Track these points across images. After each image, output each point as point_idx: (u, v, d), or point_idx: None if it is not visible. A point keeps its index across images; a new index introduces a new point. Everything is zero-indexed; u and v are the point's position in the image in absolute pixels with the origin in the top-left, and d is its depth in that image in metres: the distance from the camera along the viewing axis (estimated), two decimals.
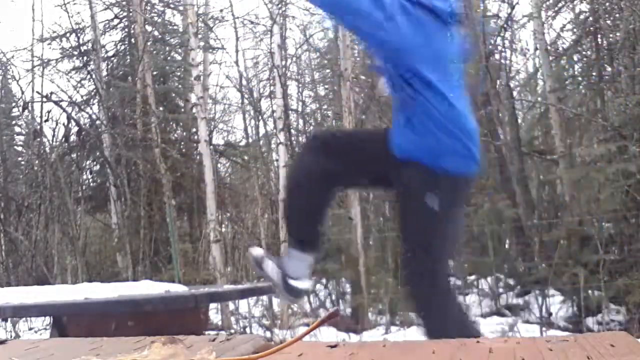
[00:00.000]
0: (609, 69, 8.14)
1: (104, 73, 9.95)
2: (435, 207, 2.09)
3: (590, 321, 6.18)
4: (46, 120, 9.51)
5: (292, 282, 2.29)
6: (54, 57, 10.24)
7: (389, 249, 8.32)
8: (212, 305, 6.61)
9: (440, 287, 2.22)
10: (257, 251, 2.51)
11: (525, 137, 9.16)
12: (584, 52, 8.76)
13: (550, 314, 6.62)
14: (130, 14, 9.88)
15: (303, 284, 2.32)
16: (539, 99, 9.93)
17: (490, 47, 8.79)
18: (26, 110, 10.76)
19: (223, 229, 9.55)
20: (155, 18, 10.57)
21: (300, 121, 12.30)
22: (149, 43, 9.44)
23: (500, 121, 8.82)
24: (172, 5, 10.78)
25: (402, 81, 2.13)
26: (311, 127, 12.23)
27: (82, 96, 10.14)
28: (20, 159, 12.29)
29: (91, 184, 10.43)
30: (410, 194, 2.17)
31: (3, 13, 19.72)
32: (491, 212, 7.59)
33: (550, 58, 8.48)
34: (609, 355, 0.77)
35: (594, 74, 8.37)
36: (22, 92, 10.58)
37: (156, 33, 10.30)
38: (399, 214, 2.35)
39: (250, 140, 10.81)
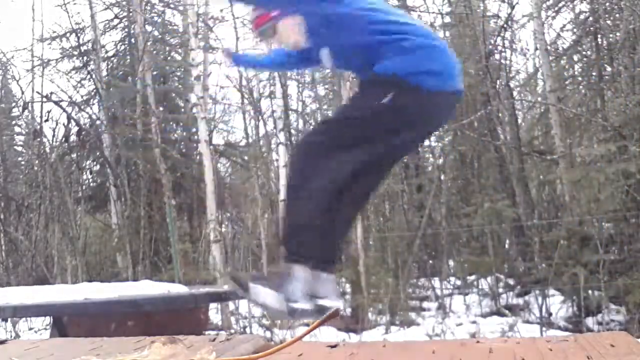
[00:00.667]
0: (609, 69, 8.13)
1: (104, 73, 9.95)
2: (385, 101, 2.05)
3: (590, 321, 6.18)
4: (46, 120, 9.52)
5: (295, 305, 2.06)
6: (54, 57, 10.27)
7: (389, 249, 8.32)
8: (212, 305, 6.61)
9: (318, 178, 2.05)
10: (239, 276, 2.28)
11: (525, 137, 9.16)
12: (584, 52, 8.76)
13: (550, 314, 6.61)
14: (130, 14, 9.87)
15: (304, 305, 2.08)
16: (539, 99, 9.93)
17: (490, 47, 8.79)
18: (26, 110, 10.76)
19: (223, 229, 9.55)
20: (155, 18, 10.57)
21: (300, 121, 12.30)
22: (149, 43, 9.44)
23: (500, 121, 8.82)
24: (172, 5, 10.78)
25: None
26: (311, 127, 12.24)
27: (82, 96, 10.14)
28: (20, 159, 12.30)
29: (91, 184, 10.43)
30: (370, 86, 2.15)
31: (3, 13, 19.73)
32: (491, 212, 7.59)
33: (550, 58, 8.48)
34: (609, 355, 0.77)
35: (594, 74, 8.37)
36: (22, 92, 10.59)
37: (156, 33, 10.29)
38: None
39: (250, 140, 10.81)
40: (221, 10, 10.38)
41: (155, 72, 9.55)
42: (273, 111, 9.56)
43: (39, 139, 9.57)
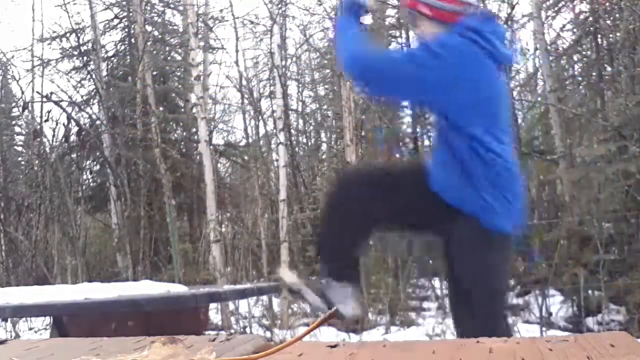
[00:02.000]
0: (609, 69, 8.13)
1: (104, 73, 9.95)
2: (487, 261, 2.08)
3: (590, 321, 6.18)
4: (46, 120, 9.52)
5: (340, 309, 2.15)
6: (54, 57, 10.27)
7: (388, 249, 8.31)
8: (212, 305, 6.61)
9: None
10: (290, 278, 2.40)
11: (525, 137, 9.16)
12: (584, 52, 8.76)
13: (550, 314, 6.61)
14: (130, 14, 9.88)
15: (349, 310, 2.17)
16: (539, 99, 9.94)
17: None
18: (26, 110, 10.76)
19: (223, 229, 9.55)
20: (155, 18, 10.57)
21: (300, 121, 12.31)
22: (149, 43, 9.44)
23: None
24: (172, 5, 10.79)
25: (453, 131, 2.07)
26: (311, 127, 12.25)
27: (82, 96, 10.15)
28: (20, 159, 12.30)
29: (91, 184, 10.44)
30: (464, 247, 2.11)
31: (3, 13, 19.74)
32: None
33: (550, 58, 8.48)
34: (609, 355, 0.77)
35: (593, 74, 8.37)
36: (22, 92, 10.59)
37: (156, 33, 10.30)
38: (449, 260, 2.23)
39: (250, 140, 10.82)
40: (221, 11, 10.40)
41: (155, 72, 9.55)
42: (273, 111, 9.57)
43: (39, 139, 9.57)
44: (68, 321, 3.20)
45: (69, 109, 9.43)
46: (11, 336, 6.54)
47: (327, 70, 11.85)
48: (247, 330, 6.97)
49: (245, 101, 10.80)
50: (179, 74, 10.55)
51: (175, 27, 10.81)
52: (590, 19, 8.16)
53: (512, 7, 8.85)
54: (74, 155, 9.59)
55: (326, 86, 12.27)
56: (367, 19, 2.31)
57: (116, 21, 10.28)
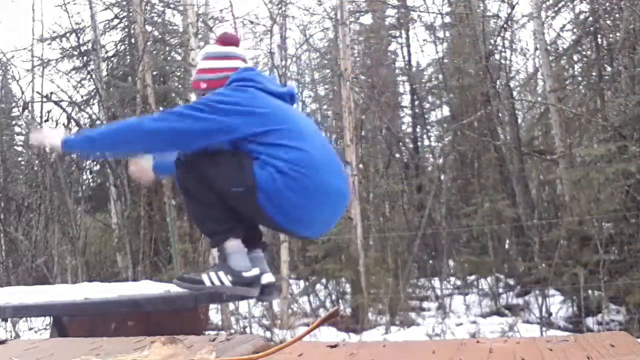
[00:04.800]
0: (609, 69, 8.13)
1: (104, 73, 9.95)
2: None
3: (590, 321, 6.18)
4: (46, 120, 9.51)
5: (245, 274, 2.39)
6: (54, 57, 10.26)
7: (389, 249, 8.32)
8: (212, 305, 6.61)
9: None
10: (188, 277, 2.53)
11: (525, 137, 9.16)
12: (584, 52, 8.76)
13: (550, 314, 6.62)
14: (130, 14, 9.87)
15: (254, 272, 2.41)
16: (539, 99, 9.93)
17: (490, 47, 8.79)
18: (26, 110, 10.76)
19: None
20: (155, 18, 10.56)
21: None
22: (149, 43, 9.43)
23: (500, 121, 8.83)
24: (172, 5, 10.78)
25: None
26: None
27: (82, 96, 10.14)
28: (20, 159, 12.30)
29: (91, 184, 10.43)
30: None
31: (3, 13, 19.75)
32: (491, 212, 7.59)
33: (550, 58, 8.48)
34: (609, 355, 0.77)
35: (594, 74, 8.37)
36: (22, 92, 10.58)
37: (156, 33, 10.29)
38: None
39: None
40: (221, 11, 10.40)
41: (155, 72, 9.54)
42: None
43: None
44: (68, 321, 3.20)
45: (69, 109, 9.44)
46: (11, 336, 6.54)
47: (327, 70, 11.85)
48: (247, 330, 6.97)
49: None
50: (179, 74, 10.55)
51: (175, 27, 10.81)
52: (590, 19, 8.17)
53: (512, 7, 8.87)
54: (74, 155, 9.59)
55: (326, 86, 12.28)
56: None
57: (116, 21, 10.27)
